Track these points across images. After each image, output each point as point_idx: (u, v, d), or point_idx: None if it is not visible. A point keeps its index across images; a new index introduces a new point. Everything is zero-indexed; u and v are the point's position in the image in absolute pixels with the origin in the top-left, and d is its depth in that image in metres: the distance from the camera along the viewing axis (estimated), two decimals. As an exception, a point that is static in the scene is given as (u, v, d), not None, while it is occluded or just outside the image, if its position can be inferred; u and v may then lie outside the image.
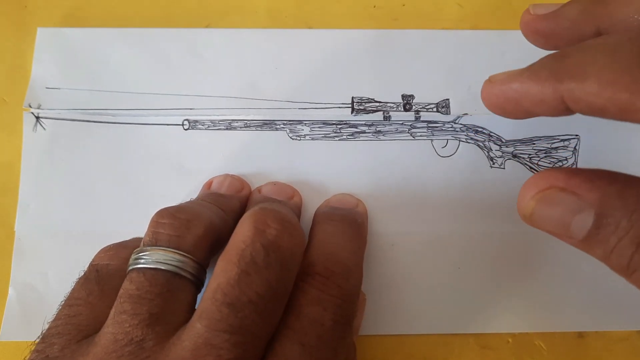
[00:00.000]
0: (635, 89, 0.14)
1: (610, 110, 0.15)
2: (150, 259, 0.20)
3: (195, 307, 0.20)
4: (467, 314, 0.27)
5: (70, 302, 0.21)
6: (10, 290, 0.26)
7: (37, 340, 0.20)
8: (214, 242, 0.22)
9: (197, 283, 0.21)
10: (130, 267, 0.20)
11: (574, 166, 0.28)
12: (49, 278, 0.27)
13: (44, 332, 0.20)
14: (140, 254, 0.20)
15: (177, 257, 0.20)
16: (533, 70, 0.17)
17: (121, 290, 0.19)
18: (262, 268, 0.18)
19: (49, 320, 0.20)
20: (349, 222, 0.25)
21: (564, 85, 0.16)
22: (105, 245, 0.23)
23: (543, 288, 0.27)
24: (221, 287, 0.18)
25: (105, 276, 0.21)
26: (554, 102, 0.16)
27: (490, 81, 0.18)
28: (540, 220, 0.17)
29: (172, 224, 0.21)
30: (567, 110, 0.16)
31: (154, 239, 0.20)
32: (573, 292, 0.27)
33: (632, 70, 0.14)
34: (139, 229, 0.23)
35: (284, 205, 0.24)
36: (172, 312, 0.19)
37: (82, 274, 0.22)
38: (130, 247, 0.22)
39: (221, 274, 0.18)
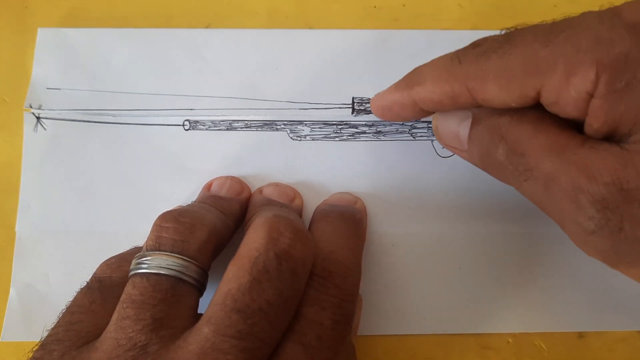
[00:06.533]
0: (450, 80, 0.19)
1: (444, 101, 0.20)
2: (153, 263, 0.19)
3: (198, 311, 0.20)
4: (467, 314, 0.27)
5: (72, 310, 0.20)
6: (12, 291, 0.26)
7: (35, 347, 0.19)
8: (216, 246, 0.22)
9: (200, 288, 0.20)
10: (133, 272, 0.20)
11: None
12: (50, 278, 0.27)
13: (42, 339, 0.19)
14: (143, 259, 0.20)
15: (181, 262, 0.20)
16: (396, 83, 0.22)
17: (124, 295, 0.19)
18: (274, 277, 0.18)
19: (48, 328, 0.20)
20: (347, 219, 0.24)
21: (413, 90, 0.21)
22: (107, 258, 0.23)
23: (543, 288, 0.27)
24: (232, 293, 0.18)
25: (108, 286, 0.21)
26: (411, 104, 0.22)
27: (375, 96, 0.24)
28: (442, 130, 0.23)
29: (175, 228, 0.20)
30: (423, 112, 0.22)
31: (157, 244, 0.20)
32: (573, 292, 0.27)
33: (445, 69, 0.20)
34: (140, 229, 0.23)
35: (292, 211, 0.24)
36: (176, 317, 0.19)
37: (84, 284, 0.22)
38: (131, 260, 0.22)
39: (232, 280, 0.18)
